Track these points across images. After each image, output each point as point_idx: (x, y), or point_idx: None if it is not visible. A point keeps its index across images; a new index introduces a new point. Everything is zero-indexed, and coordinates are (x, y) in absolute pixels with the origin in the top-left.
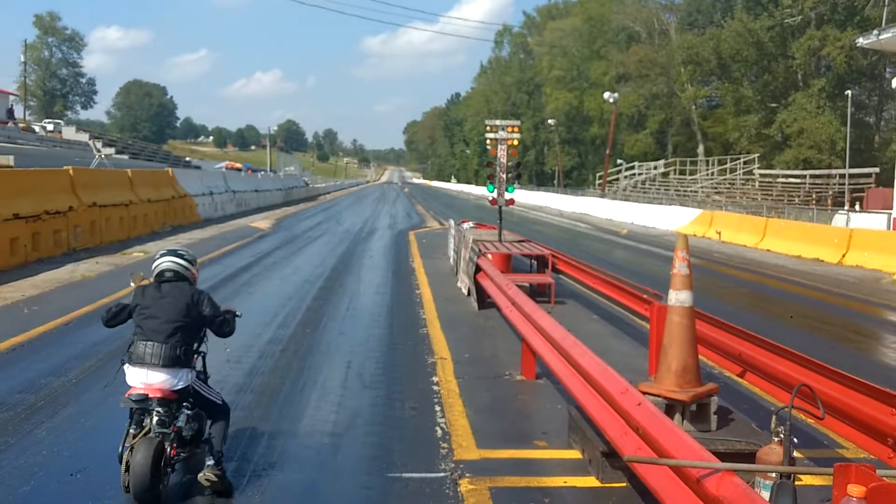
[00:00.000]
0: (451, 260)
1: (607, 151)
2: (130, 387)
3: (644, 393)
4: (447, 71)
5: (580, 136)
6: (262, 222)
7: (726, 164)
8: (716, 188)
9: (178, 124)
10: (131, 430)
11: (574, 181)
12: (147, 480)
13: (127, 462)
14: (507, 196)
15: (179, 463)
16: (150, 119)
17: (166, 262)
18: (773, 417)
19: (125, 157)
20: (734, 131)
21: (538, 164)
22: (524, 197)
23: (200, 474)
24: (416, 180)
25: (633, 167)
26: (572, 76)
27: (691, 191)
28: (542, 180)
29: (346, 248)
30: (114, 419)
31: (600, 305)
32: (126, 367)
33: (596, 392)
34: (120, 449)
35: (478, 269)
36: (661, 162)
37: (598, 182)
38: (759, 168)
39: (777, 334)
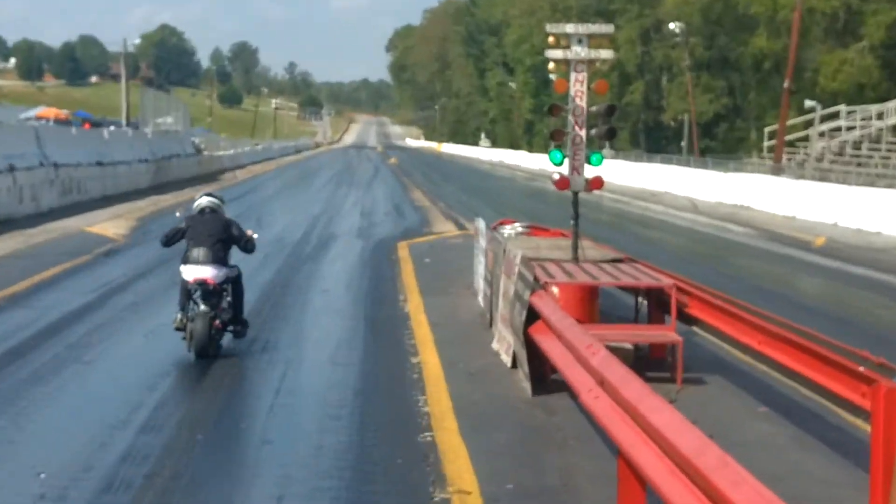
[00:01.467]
0: (481, 297)
1: (785, 85)
2: (186, 280)
3: None
4: None
5: (731, 55)
6: (110, 225)
7: None
8: None
9: None
10: (191, 307)
11: (719, 143)
12: (205, 340)
13: (189, 331)
14: (590, 172)
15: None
16: None
17: (206, 200)
18: None
19: None
20: None
21: (650, 109)
22: (621, 173)
23: (229, 328)
24: (411, 142)
25: (836, 115)
26: None
27: None
28: (655, 141)
29: (278, 272)
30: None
31: (770, 385)
32: (182, 267)
33: None
34: (178, 317)
35: (533, 314)
36: (894, 103)
37: (766, 144)
38: None
39: None
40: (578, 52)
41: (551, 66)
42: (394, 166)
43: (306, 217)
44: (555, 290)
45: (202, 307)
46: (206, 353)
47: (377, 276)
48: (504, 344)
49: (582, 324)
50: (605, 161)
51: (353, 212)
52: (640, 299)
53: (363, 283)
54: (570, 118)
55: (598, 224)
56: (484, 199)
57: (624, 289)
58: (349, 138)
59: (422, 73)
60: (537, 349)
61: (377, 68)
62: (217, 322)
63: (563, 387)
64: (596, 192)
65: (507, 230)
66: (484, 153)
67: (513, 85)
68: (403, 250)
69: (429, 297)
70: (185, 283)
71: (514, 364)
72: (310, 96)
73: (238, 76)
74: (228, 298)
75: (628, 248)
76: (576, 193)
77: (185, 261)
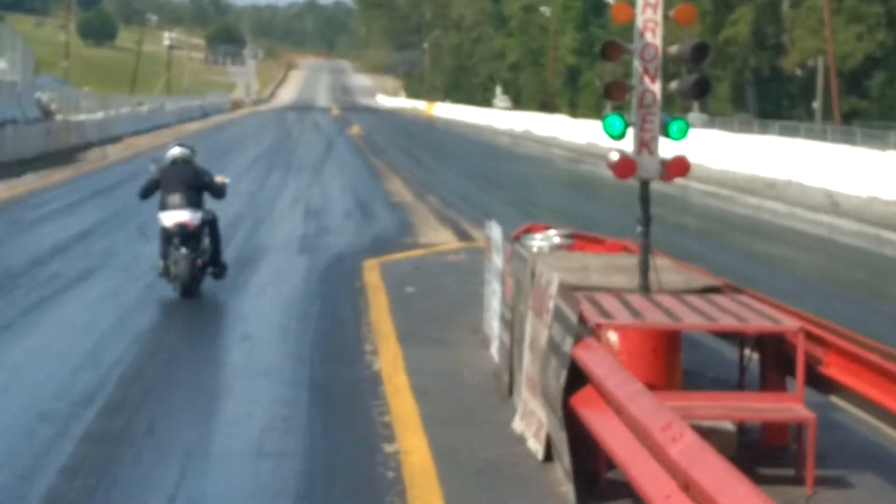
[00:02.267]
0: (494, 348)
1: None
2: (164, 224)
3: None
4: None
5: None
6: None
7: None
8: None
9: None
10: (172, 252)
11: (873, 103)
12: (190, 280)
13: (174, 274)
14: (669, 149)
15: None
16: None
17: (178, 151)
18: None
19: None
20: None
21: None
22: (719, 151)
23: (210, 269)
24: (384, 100)
25: None
26: None
27: None
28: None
29: (168, 309)
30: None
31: None
32: (161, 214)
33: None
34: (160, 265)
35: (578, 376)
36: None
37: None
38: None
39: None
40: None
41: None
42: (357, 139)
43: (220, 220)
44: (612, 336)
45: (183, 250)
46: (192, 292)
47: (330, 314)
48: (532, 423)
49: (656, 391)
50: (692, 132)
51: (292, 212)
52: (747, 351)
53: (308, 327)
54: (638, 64)
55: (681, 232)
56: (500, 191)
57: (722, 335)
58: (287, 94)
59: None
60: (584, 431)
61: None
62: (199, 262)
63: (625, 491)
64: (678, 180)
65: (538, 241)
66: (501, 118)
67: (546, 10)
68: (373, 273)
69: (412, 349)
70: (164, 230)
71: (549, 455)
72: (224, 28)
73: None
74: (207, 240)
75: (730, 271)
76: (646, 184)
77: (163, 208)
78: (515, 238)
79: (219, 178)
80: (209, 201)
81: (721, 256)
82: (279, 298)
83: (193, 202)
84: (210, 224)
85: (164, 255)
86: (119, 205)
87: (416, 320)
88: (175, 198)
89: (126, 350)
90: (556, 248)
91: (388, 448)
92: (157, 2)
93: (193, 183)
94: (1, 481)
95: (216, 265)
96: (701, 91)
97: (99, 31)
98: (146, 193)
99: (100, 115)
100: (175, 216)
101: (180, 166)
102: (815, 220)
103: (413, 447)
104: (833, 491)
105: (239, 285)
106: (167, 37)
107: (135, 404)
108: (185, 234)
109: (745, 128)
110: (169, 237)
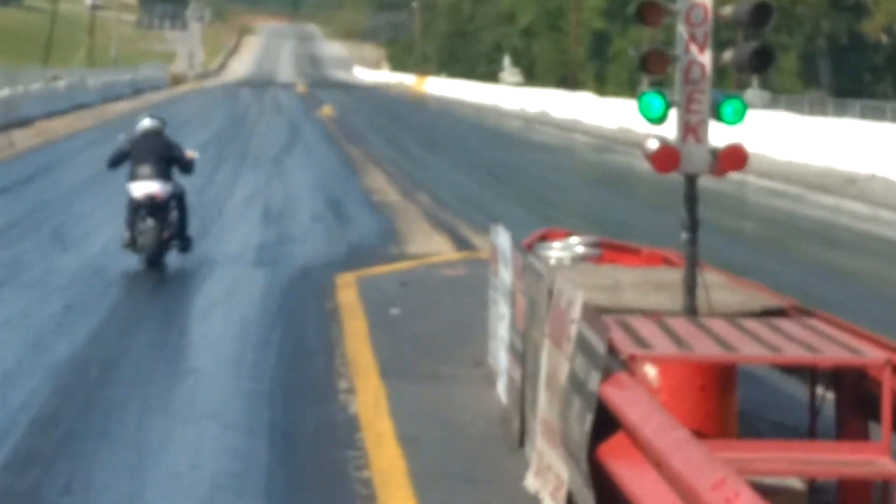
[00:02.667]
0: (502, 385)
1: None
2: (134, 195)
3: None
4: None
5: None
6: None
7: None
8: None
9: None
10: (138, 223)
11: None
12: (155, 249)
13: (140, 244)
14: (721, 135)
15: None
16: None
17: (148, 122)
18: None
19: None
20: None
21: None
22: (784, 138)
23: (175, 241)
24: (363, 73)
25: None
26: None
27: None
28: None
29: (93, 336)
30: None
31: None
32: (130, 185)
33: None
34: (126, 236)
35: (606, 419)
36: None
37: None
38: None
39: None
40: None
41: None
42: (329, 123)
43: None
44: (650, 371)
45: (150, 221)
46: (157, 264)
47: (295, 342)
48: (550, 480)
49: (705, 439)
50: (750, 114)
51: (248, 214)
52: (820, 390)
53: (268, 358)
54: (682, 29)
55: (737, 239)
56: (509, 187)
57: (789, 369)
58: (241, 66)
59: None
60: (615, 490)
61: None
62: (165, 234)
63: None
64: (733, 175)
65: (557, 251)
66: (509, 96)
67: None
68: (348, 291)
69: (398, 386)
70: (132, 200)
71: None
72: None
73: None
74: (175, 213)
75: (798, 288)
76: (692, 179)
77: (132, 178)
78: (528, 247)
79: (189, 153)
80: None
81: (787, 270)
82: (231, 322)
83: (163, 174)
84: (178, 197)
85: (131, 226)
86: (28, 205)
87: (402, 350)
88: (145, 169)
89: (37, 388)
90: (579, 259)
91: None
92: None
93: (164, 155)
94: None
95: (182, 238)
96: (762, 63)
97: None
98: (114, 163)
99: (4, 91)
100: (144, 187)
101: (151, 138)
102: None
103: None
104: None
105: (181, 305)
106: None
107: (49, 457)
108: (153, 206)
109: (818, 108)
110: (136, 208)
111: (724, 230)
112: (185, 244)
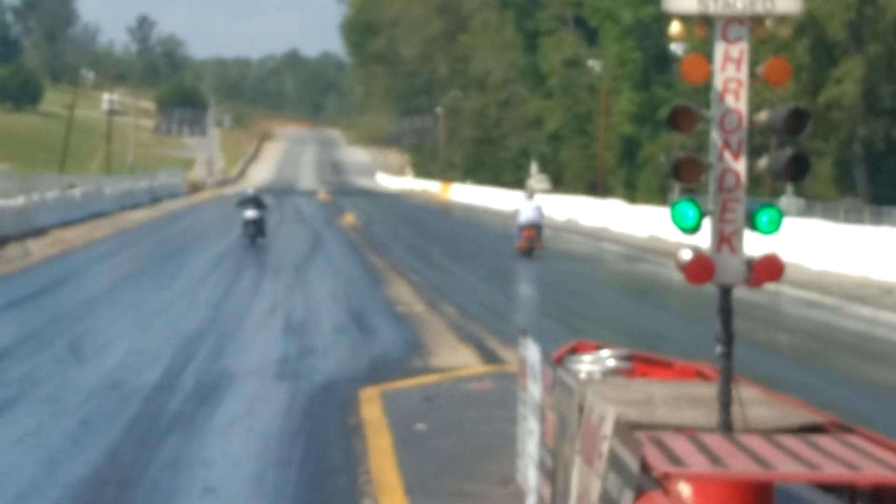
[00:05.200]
0: (532, 503)
1: None
2: (245, 216)
3: None
4: None
5: None
6: None
7: None
8: None
9: None
10: (248, 227)
11: None
12: (251, 240)
13: (247, 233)
14: (756, 245)
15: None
16: None
17: (251, 191)
18: None
19: None
20: None
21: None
22: (819, 246)
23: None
24: (387, 180)
25: None
26: None
27: None
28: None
29: (109, 454)
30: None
31: None
32: (242, 212)
33: None
34: (241, 228)
35: None
36: None
37: None
38: None
39: None
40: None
41: (675, 28)
42: (352, 231)
43: (174, 337)
44: (685, 490)
45: (251, 228)
46: (253, 243)
47: (318, 459)
48: None
49: None
50: (785, 222)
51: (268, 325)
52: None
53: (289, 476)
54: (716, 136)
55: (773, 353)
56: (537, 298)
57: (828, 488)
58: (261, 173)
59: (408, 40)
60: None
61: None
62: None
63: None
64: (769, 286)
65: (587, 365)
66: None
67: (595, 65)
68: (372, 406)
69: None
70: (245, 219)
71: None
72: (180, 88)
73: (36, 45)
74: (262, 227)
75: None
76: (727, 290)
77: (243, 208)
78: (558, 361)
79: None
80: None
81: (824, 384)
82: (252, 439)
83: (259, 205)
84: (261, 219)
85: (244, 229)
86: (43, 317)
87: (428, 468)
88: (249, 205)
89: None
90: (610, 373)
91: None
92: (94, 55)
93: (257, 201)
94: None
95: (263, 235)
96: (798, 171)
97: (19, 93)
98: (240, 204)
99: (19, 200)
100: (249, 213)
101: (251, 195)
102: None
103: None
104: None
105: (200, 421)
106: (107, 99)
107: None
108: (253, 220)
109: (854, 216)
110: (246, 222)
111: (759, 343)
112: (263, 237)
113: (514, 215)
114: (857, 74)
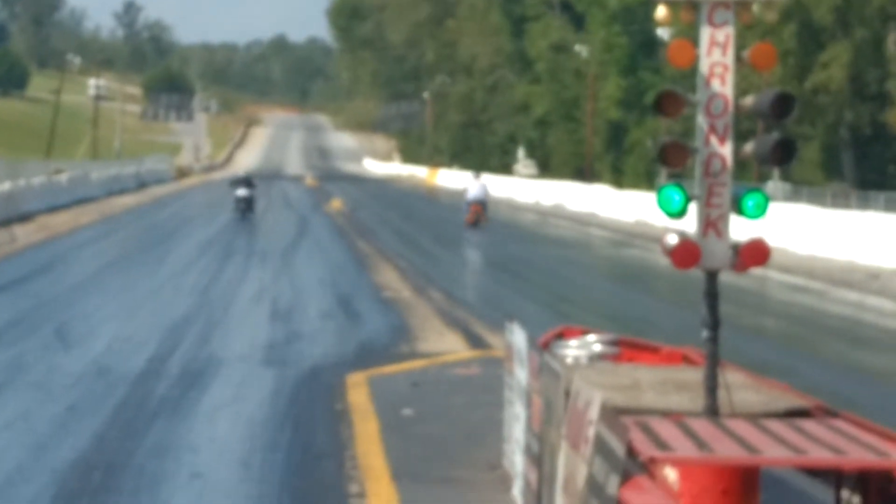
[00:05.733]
0: (518, 489)
1: None
2: (237, 194)
3: None
4: None
5: None
6: None
7: None
8: None
9: None
10: (239, 204)
11: None
12: (241, 215)
13: (239, 208)
14: (743, 229)
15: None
16: None
17: (242, 173)
18: None
19: None
20: None
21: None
22: (806, 231)
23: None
24: (373, 165)
25: None
26: None
27: None
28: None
29: (97, 440)
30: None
31: None
32: (236, 191)
33: None
34: (234, 203)
35: None
36: None
37: None
38: None
39: None
40: None
41: (661, 12)
42: (339, 216)
43: (160, 323)
44: (671, 474)
45: (242, 204)
46: (246, 215)
47: (305, 445)
48: None
49: None
50: (772, 207)
51: (255, 311)
52: (846, 494)
53: (276, 461)
54: (702, 121)
55: (759, 337)
56: (523, 283)
57: (814, 472)
58: (248, 158)
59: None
60: None
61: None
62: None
63: None
64: (755, 270)
65: (574, 350)
66: (523, 189)
67: (582, 50)
68: (359, 391)
69: (411, 490)
70: (237, 197)
71: None
72: (166, 73)
73: (22, 31)
74: (254, 201)
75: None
76: (713, 275)
77: (234, 187)
78: (544, 346)
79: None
80: None
81: (811, 369)
82: (239, 424)
83: (250, 185)
84: (251, 197)
85: (237, 205)
86: (30, 303)
87: (415, 453)
88: (241, 183)
89: (38, 494)
90: (596, 358)
91: None
92: (80, 40)
93: (248, 181)
94: None
95: (252, 211)
96: (784, 155)
97: (5, 78)
98: (232, 185)
99: (5, 185)
100: (240, 191)
101: (242, 176)
102: None
103: None
104: None
105: (186, 407)
106: (93, 84)
107: None
108: (244, 198)
109: (840, 201)
110: (238, 199)
111: (745, 327)
112: (252, 212)
113: (463, 193)
114: (843, 59)
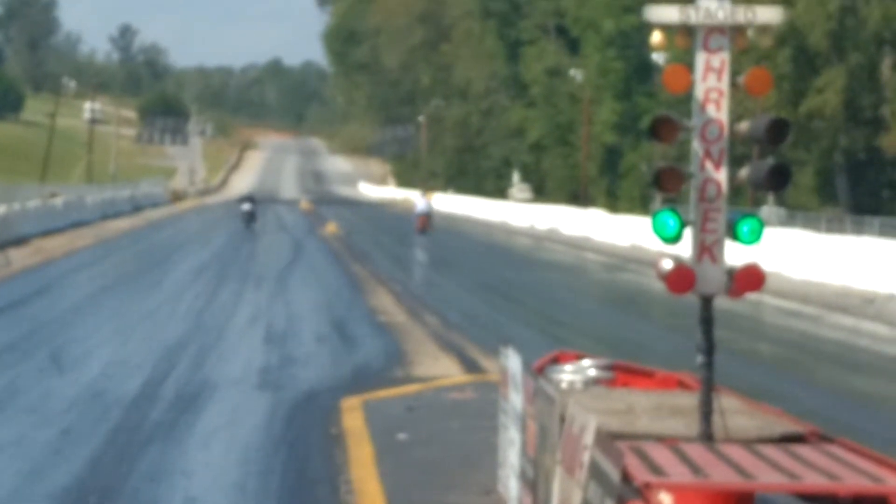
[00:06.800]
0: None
1: None
2: (243, 209)
3: None
4: None
5: None
6: None
7: None
8: None
9: None
10: (245, 217)
11: None
12: (247, 226)
13: (244, 219)
14: (737, 255)
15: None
16: None
17: (246, 191)
18: None
19: None
20: None
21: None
22: (801, 256)
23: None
24: (368, 189)
25: None
26: None
27: None
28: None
29: (90, 465)
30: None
31: None
32: (241, 206)
33: None
34: (241, 218)
35: None
36: None
37: None
38: None
39: None
40: (713, 9)
41: (656, 37)
42: (334, 240)
43: (155, 346)
44: (665, 499)
45: (247, 217)
46: (251, 227)
47: (299, 469)
48: None
49: None
50: (766, 232)
51: (250, 336)
52: None
53: (270, 486)
54: (697, 146)
55: (754, 362)
56: (518, 308)
57: (809, 498)
58: (243, 182)
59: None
60: None
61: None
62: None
63: None
64: (750, 296)
65: (569, 375)
66: (518, 213)
67: (577, 74)
68: (354, 415)
69: None
70: (243, 211)
71: None
72: (161, 97)
73: (18, 54)
74: (257, 214)
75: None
76: (708, 300)
77: (241, 203)
78: (539, 370)
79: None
80: None
81: (805, 394)
82: (233, 449)
83: (252, 201)
84: (254, 211)
85: (243, 218)
86: (24, 327)
87: (410, 478)
88: (246, 199)
89: None
90: (591, 383)
91: None
92: (76, 63)
93: (252, 198)
94: None
95: (255, 222)
96: (780, 181)
97: (1, 102)
98: (240, 201)
99: (1, 209)
100: (245, 206)
101: (247, 194)
102: None
103: None
104: None
105: (181, 431)
106: (89, 108)
107: None
108: (248, 212)
109: (835, 226)
110: (244, 213)
111: (740, 352)
112: (255, 223)
113: (412, 207)
114: (838, 84)
